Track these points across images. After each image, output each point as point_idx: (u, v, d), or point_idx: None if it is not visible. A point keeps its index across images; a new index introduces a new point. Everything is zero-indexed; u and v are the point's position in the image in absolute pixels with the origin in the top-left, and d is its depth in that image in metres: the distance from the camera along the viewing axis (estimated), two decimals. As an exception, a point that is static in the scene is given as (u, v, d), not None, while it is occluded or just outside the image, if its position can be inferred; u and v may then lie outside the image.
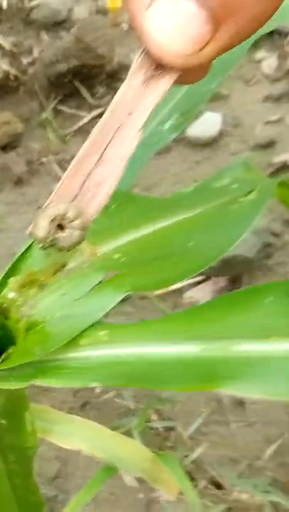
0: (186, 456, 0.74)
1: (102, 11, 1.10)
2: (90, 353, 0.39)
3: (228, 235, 0.47)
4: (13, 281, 0.39)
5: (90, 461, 0.71)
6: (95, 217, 0.32)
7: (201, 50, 0.27)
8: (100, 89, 0.97)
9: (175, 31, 0.27)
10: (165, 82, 0.30)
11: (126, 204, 0.48)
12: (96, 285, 0.40)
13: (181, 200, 0.56)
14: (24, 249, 0.42)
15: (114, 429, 0.64)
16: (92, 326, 0.39)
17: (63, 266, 0.41)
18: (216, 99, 1.05)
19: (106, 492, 0.73)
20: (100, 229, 0.43)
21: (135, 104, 0.31)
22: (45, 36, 0.93)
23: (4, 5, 0.88)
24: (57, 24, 0.92)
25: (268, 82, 1.11)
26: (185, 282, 0.86)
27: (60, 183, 0.32)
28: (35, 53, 0.92)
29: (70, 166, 0.32)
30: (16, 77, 0.91)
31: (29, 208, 0.91)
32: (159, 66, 0.30)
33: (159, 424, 0.76)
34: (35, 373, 0.39)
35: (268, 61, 1.13)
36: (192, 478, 0.73)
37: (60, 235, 0.31)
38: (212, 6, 0.25)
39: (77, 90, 0.97)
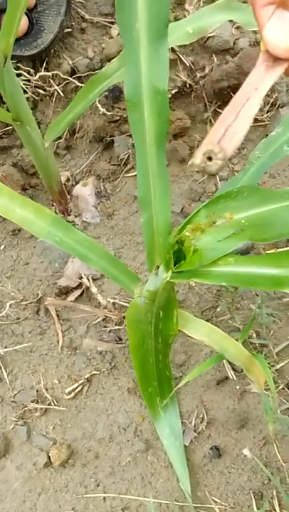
0: (272, 366, 0.87)
1: (259, 43, 1.02)
2: (223, 268, 0.57)
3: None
4: (189, 227, 0.58)
5: (207, 358, 0.87)
6: (232, 154, 0.43)
7: None
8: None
9: (282, 36, 0.39)
10: (279, 70, 0.42)
11: (253, 192, 0.59)
12: (230, 235, 0.57)
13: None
14: (194, 212, 0.59)
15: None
16: (226, 255, 0.57)
17: (214, 222, 0.58)
18: None
19: (213, 381, 0.88)
20: (235, 207, 0.58)
21: (259, 83, 0.42)
22: (215, 59, 0.98)
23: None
24: (225, 51, 0.97)
25: None
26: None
27: (211, 131, 0.42)
28: (207, 70, 0.98)
29: (217, 122, 0.43)
30: (190, 85, 0.99)
31: (186, 180, 1.00)
32: (276, 60, 0.41)
33: (256, 341, 0.89)
34: (193, 276, 0.58)
35: None
36: (274, 382, 0.86)
37: (209, 163, 0.42)
38: None
39: (233, 99, 1.09)
